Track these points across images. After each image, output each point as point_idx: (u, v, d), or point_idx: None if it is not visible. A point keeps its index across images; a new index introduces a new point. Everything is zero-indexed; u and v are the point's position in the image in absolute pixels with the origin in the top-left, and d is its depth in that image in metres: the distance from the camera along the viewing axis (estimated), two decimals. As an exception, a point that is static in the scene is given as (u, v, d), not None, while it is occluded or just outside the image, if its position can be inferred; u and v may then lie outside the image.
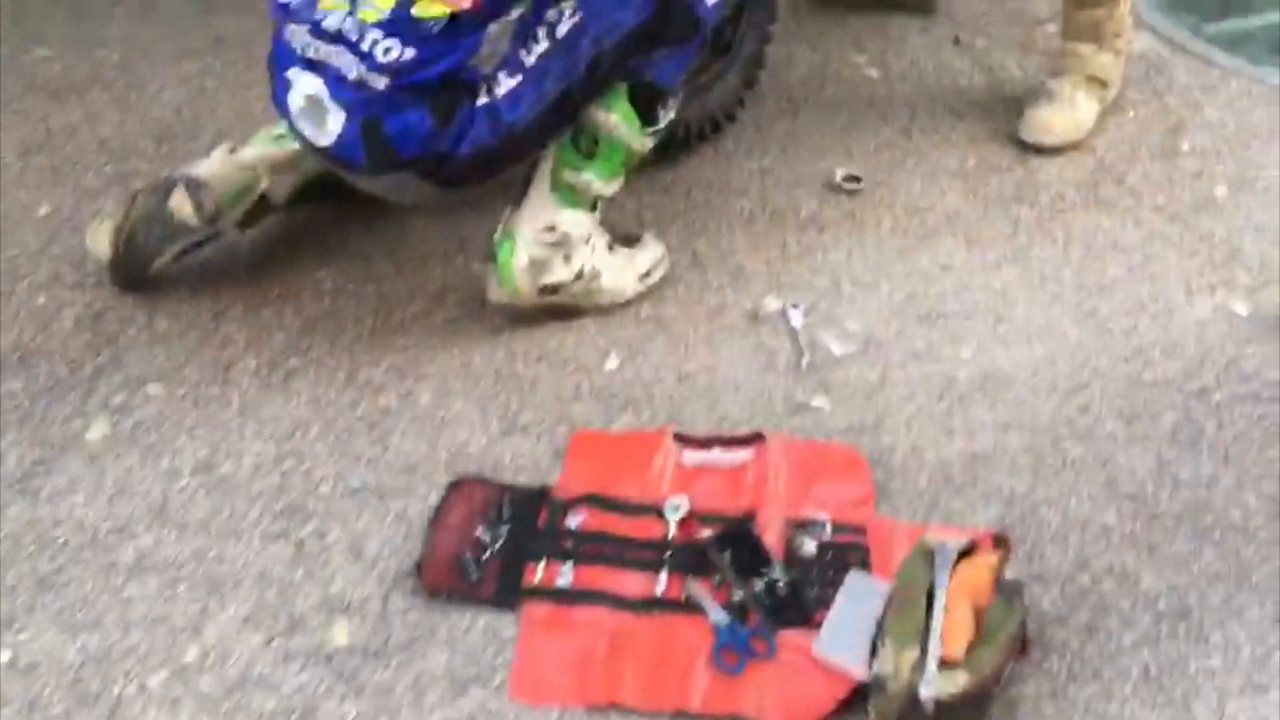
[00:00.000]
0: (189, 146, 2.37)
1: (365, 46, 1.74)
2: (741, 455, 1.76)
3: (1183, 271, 2.14)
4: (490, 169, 1.88)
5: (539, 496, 1.70)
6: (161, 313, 2.01)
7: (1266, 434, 1.82)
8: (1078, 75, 2.41)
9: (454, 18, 1.72)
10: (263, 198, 2.01)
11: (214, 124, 2.43)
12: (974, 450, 1.80)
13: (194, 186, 1.95)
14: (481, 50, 1.77)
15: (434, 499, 1.70)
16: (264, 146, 2.02)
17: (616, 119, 1.89)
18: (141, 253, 1.98)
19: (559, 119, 1.86)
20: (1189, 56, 2.68)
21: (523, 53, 1.79)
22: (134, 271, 2.00)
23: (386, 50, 1.74)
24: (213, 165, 2.00)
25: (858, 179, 2.34)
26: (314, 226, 2.17)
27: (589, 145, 1.90)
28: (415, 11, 1.72)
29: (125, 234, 1.97)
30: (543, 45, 1.79)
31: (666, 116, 1.95)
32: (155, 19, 2.75)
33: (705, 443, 1.79)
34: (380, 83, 1.75)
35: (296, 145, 1.93)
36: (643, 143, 1.94)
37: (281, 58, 1.85)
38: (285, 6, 1.83)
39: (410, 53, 1.73)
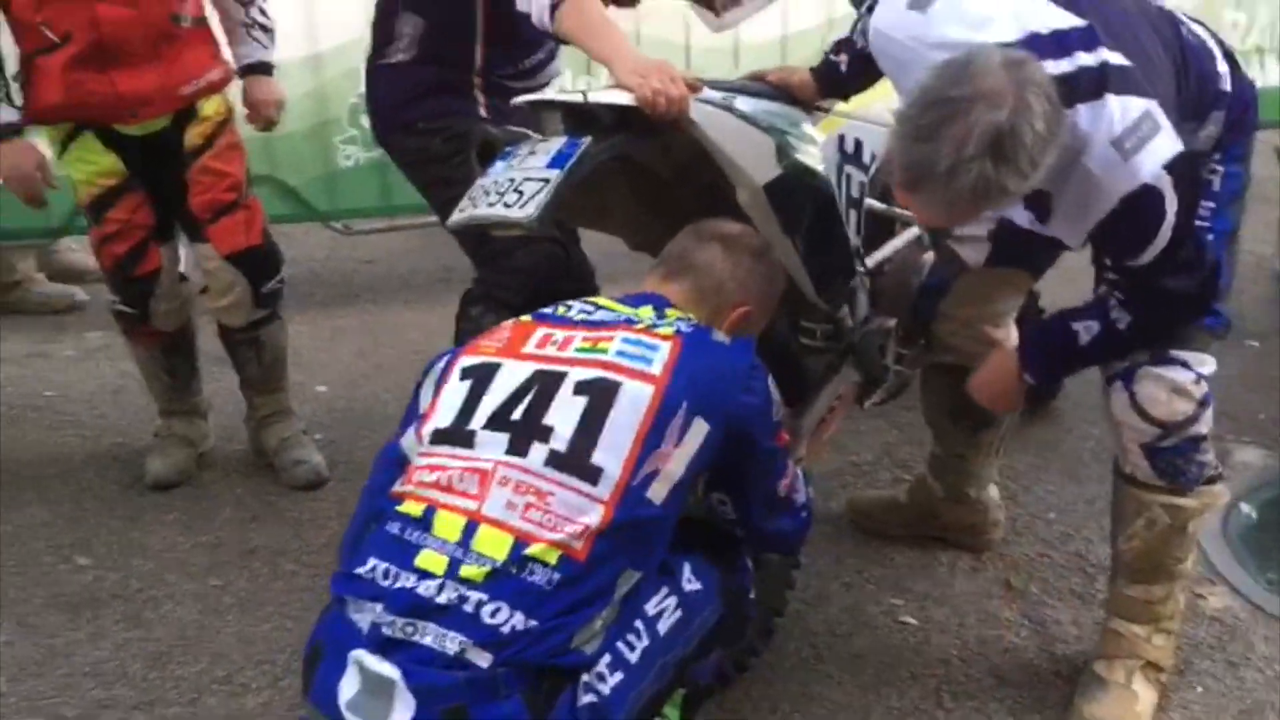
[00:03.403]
0: (180, 673, 2.31)
1: (469, 610, 1.54)
2: None
3: None
4: None
5: None
6: None
7: None
8: (1132, 661, 2.14)
9: (565, 566, 1.56)
10: None
11: (213, 649, 2.38)
12: None
13: None
14: (590, 637, 1.59)
15: None
16: None
17: None
18: None
19: (647, 715, 1.70)
20: (1271, 621, 2.40)
21: (623, 646, 1.63)
22: None
23: (495, 613, 1.53)
24: None
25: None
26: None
27: None
28: (529, 552, 1.55)
29: None
30: (644, 642, 1.65)
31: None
32: (200, 528, 2.81)
33: None
34: (484, 660, 1.52)
35: None
36: None
37: (340, 636, 1.59)
38: (354, 580, 1.61)
39: (519, 619, 1.53)
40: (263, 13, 2.83)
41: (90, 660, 2.36)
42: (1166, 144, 1.78)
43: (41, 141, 2.75)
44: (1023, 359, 2.10)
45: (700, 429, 1.64)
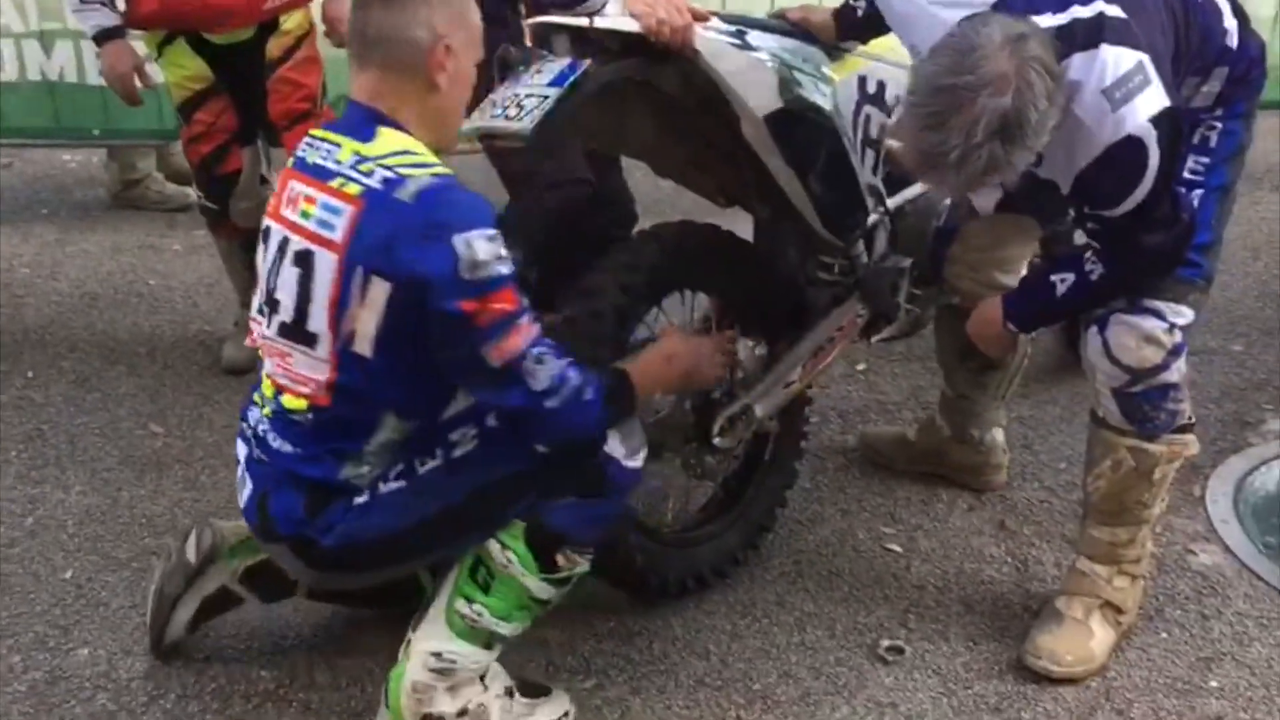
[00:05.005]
0: (221, 531, 2.58)
1: (262, 434, 1.94)
2: None
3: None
4: (361, 566, 1.93)
5: None
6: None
7: None
8: (1090, 599, 2.21)
9: (315, 411, 1.84)
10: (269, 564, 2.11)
11: (254, 512, 2.64)
12: None
13: (204, 527, 2.15)
14: (360, 467, 1.86)
15: None
16: None
17: (511, 556, 1.89)
18: (164, 602, 2.15)
19: (437, 537, 1.90)
20: (1256, 581, 2.42)
21: (417, 462, 1.87)
22: (159, 621, 2.16)
23: (274, 439, 1.91)
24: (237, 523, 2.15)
25: (901, 650, 2.23)
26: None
27: (485, 577, 1.91)
28: (284, 401, 1.88)
29: (156, 589, 2.17)
30: (436, 462, 1.87)
31: (571, 568, 1.93)
32: (263, 410, 3.08)
33: None
34: (271, 464, 1.92)
35: None
36: (540, 588, 1.92)
37: (240, 432, 2.04)
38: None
39: (289, 446, 1.89)
40: (346, -66, 3.02)
41: (148, 513, 2.64)
42: (1156, 98, 1.83)
43: (141, 46, 3.02)
44: (1005, 307, 2.18)
45: (381, 288, 1.74)
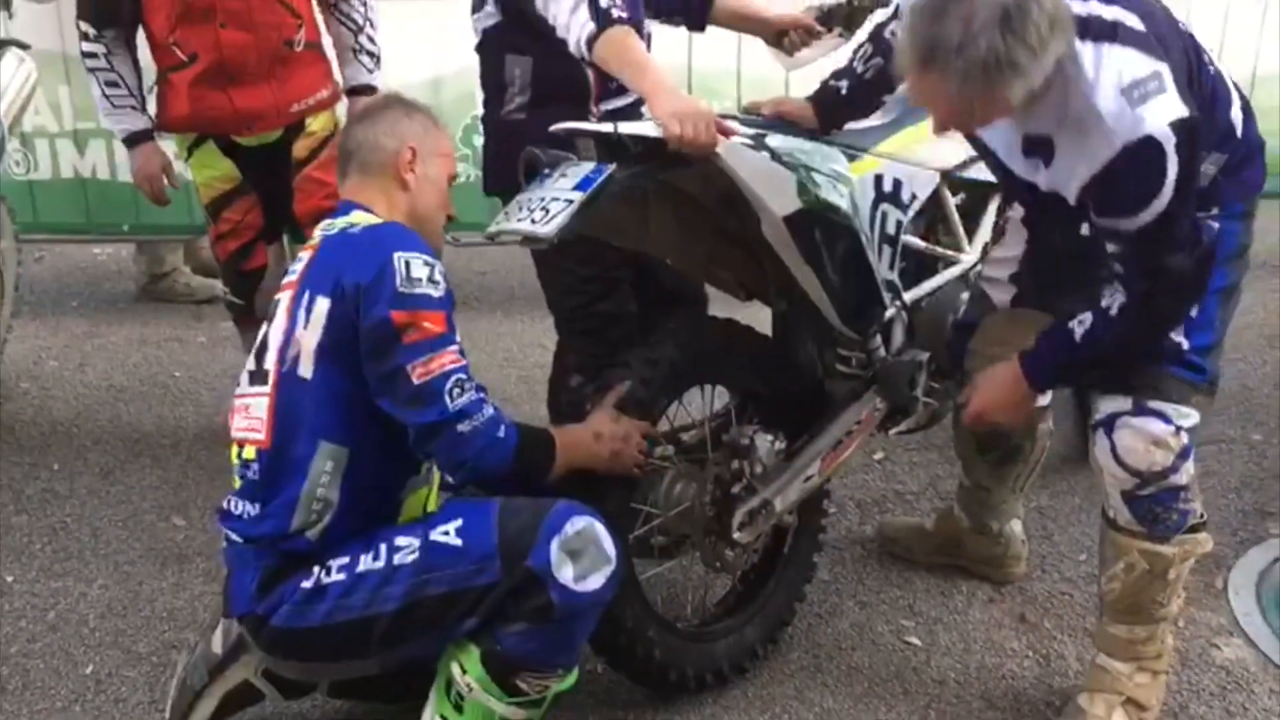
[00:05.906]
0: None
1: (230, 510, 2.00)
2: None
3: None
4: (304, 654, 1.95)
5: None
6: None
7: None
8: (1113, 696, 2.20)
9: (261, 456, 1.92)
10: None
11: (275, 606, 2.65)
12: None
13: (232, 621, 2.10)
14: (309, 515, 1.89)
15: None
16: None
17: (472, 681, 1.89)
18: (185, 694, 2.15)
19: (372, 642, 1.88)
20: (1280, 675, 2.40)
21: (363, 556, 1.89)
22: (179, 716, 2.16)
23: (238, 506, 1.98)
24: None
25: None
26: None
27: (456, 698, 1.91)
28: (244, 455, 1.96)
29: (179, 680, 2.17)
30: (377, 564, 1.88)
31: (542, 692, 1.92)
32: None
33: None
34: (238, 539, 1.97)
35: None
36: (510, 711, 1.91)
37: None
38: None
39: (249, 509, 1.95)
40: (371, 40, 3.12)
41: (169, 607, 2.66)
42: (1174, 104, 1.82)
43: (171, 148, 3.11)
44: (1022, 364, 2.15)
45: (322, 305, 1.89)
